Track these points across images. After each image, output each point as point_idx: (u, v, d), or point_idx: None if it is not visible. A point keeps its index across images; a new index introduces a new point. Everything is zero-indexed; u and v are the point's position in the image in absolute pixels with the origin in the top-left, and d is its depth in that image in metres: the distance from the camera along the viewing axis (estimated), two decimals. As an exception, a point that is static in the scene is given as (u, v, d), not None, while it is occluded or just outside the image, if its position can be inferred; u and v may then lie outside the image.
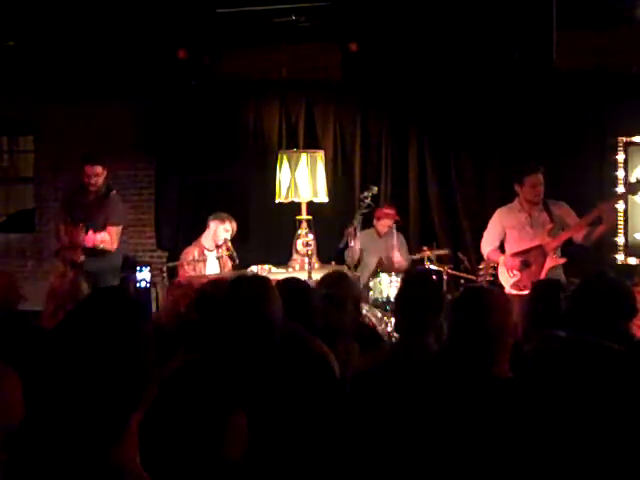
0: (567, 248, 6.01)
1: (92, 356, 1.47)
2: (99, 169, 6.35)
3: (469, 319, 2.70)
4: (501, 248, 6.14)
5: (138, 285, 6.52)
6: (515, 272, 5.92)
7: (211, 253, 6.72)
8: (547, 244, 5.87)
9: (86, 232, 6.26)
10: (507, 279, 5.95)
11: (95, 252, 6.28)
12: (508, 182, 6.22)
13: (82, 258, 6.26)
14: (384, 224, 7.08)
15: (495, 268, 6.03)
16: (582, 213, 5.92)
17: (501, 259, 6.05)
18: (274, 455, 2.48)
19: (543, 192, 5.99)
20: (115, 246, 6.42)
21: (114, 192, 6.55)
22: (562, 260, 5.91)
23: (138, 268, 6.60)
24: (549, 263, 5.86)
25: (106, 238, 6.30)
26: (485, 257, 6.26)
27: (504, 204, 6.18)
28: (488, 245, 6.20)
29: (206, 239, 6.70)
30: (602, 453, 1.88)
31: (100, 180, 6.40)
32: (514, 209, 6.08)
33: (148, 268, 6.66)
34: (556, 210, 5.99)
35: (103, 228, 6.33)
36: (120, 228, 6.51)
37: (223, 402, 1.91)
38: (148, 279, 6.59)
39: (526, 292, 4.68)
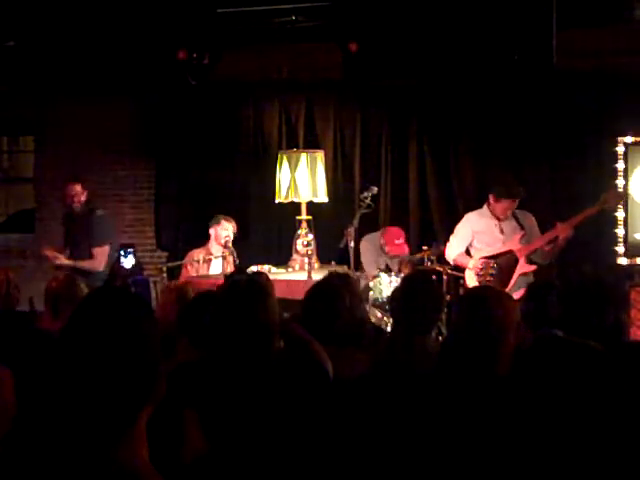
0: (565, 249, 6.01)
1: (99, 353, 1.47)
2: (78, 187, 6.50)
3: (473, 318, 2.70)
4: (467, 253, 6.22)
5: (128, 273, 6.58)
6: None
7: (217, 253, 6.74)
8: (519, 250, 5.94)
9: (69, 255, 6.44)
10: (475, 283, 5.97)
11: (80, 272, 6.17)
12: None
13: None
14: (392, 251, 6.95)
15: (494, 268, 6.04)
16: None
17: (471, 263, 6.09)
18: (263, 458, 2.47)
19: (511, 213, 6.05)
20: (102, 267, 6.45)
21: (99, 211, 6.61)
22: (532, 267, 5.95)
23: (123, 253, 6.58)
24: (520, 269, 5.91)
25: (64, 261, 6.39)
26: (451, 261, 6.29)
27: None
28: (455, 249, 6.25)
29: (212, 246, 6.75)
30: (595, 458, 1.88)
31: (81, 198, 6.51)
32: (484, 215, 6.15)
33: (132, 253, 6.64)
34: (524, 220, 6.07)
35: (88, 250, 6.41)
36: (106, 248, 6.50)
37: (175, 404, 1.90)
38: (133, 265, 6.62)
39: None
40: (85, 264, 6.35)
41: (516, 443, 2.16)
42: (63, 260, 6.37)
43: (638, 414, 2.10)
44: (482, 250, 6.11)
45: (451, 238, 6.32)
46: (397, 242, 6.89)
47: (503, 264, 5.96)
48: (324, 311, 3.35)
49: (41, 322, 4.16)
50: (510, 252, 5.97)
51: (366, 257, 6.73)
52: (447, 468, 2.45)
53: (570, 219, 5.84)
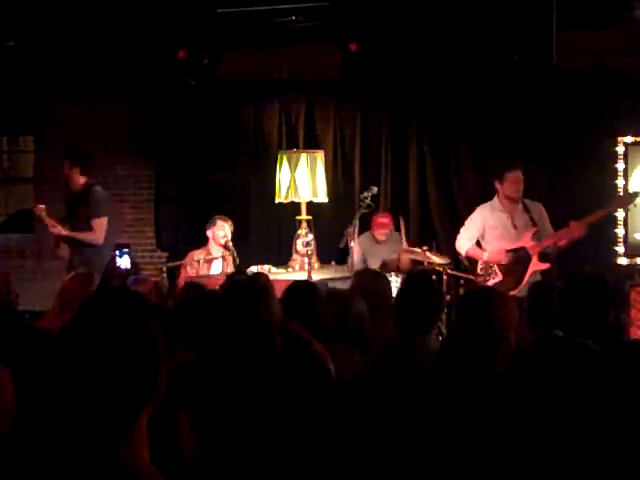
0: (564, 249, 6.00)
1: (100, 353, 1.47)
2: (66, 165, 6.39)
3: (473, 318, 2.70)
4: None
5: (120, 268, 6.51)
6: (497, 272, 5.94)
7: (217, 254, 6.76)
8: (531, 247, 5.88)
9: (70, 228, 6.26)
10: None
11: (78, 243, 6.23)
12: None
13: (60, 250, 6.29)
14: (380, 233, 7.12)
15: (491, 268, 6.02)
16: (581, 213, 5.93)
17: (485, 254, 6.04)
18: (268, 460, 2.47)
19: (522, 189, 6.00)
20: (101, 239, 6.28)
21: (97, 187, 6.49)
22: (546, 265, 5.89)
23: (118, 253, 6.52)
24: (533, 267, 5.86)
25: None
26: (463, 254, 6.27)
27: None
28: (466, 241, 6.20)
29: (212, 246, 6.77)
30: (593, 456, 1.88)
31: (70, 176, 6.40)
32: (495, 208, 6.10)
33: (128, 253, 6.60)
34: (535, 212, 6.01)
35: (86, 223, 6.28)
36: (104, 220, 6.33)
37: (172, 405, 1.90)
38: (128, 265, 6.60)
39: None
40: (84, 236, 6.20)
41: (515, 442, 2.16)
42: (62, 230, 6.21)
43: (636, 414, 2.10)
44: (493, 244, 6.05)
45: (462, 230, 6.29)
46: (380, 220, 7.15)
47: (516, 261, 5.91)
48: (300, 312, 3.38)
49: (44, 319, 4.16)
50: (522, 249, 5.93)
51: (353, 246, 6.63)
52: (447, 468, 2.44)
53: (584, 218, 5.79)
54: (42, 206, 6.35)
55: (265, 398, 2.63)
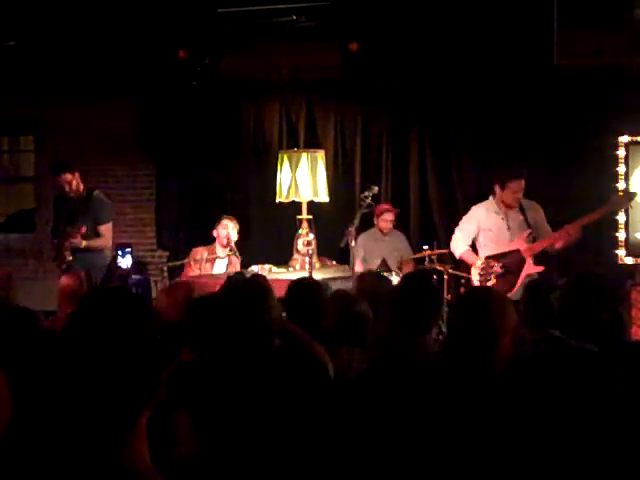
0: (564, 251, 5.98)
1: (99, 355, 1.47)
2: (68, 176, 6.55)
3: (470, 320, 2.69)
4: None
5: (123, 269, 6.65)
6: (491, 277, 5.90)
7: (222, 254, 6.76)
8: (525, 250, 5.84)
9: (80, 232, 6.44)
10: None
11: (86, 250, 6.46)
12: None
13: (70, 258, 6.41)
14: (386, 219, 7.09)
15: (494, 269, 5.99)
16: (581, 213, 5.92)
17: (478, 262, 6.01)
18: (265, 459, 2.47)
19: (522, 197, 5.97)
20: (110, 243, 6.61)
21: (97, 192, 6.73)
22: (540, 268, 5.85)
23: (120, 253, 6.64)
24: (527, 270, 5.83)
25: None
26: (457, 256, 6.25)
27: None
28: (461, 243, 6.16)
29: (217, 247, 6.79)
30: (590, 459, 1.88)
31: (74, 185, 6.58)
32: (491, 209, 6.05)
33: (130, 253, 6.69)
34: (531, 213, 5.97)
35: (92, 228, 6.50)
36: (110, 225, 6.67)
37: (170, 405, 1.90)
38: (130, 265, 6.67)
39: None
40: (97, 243, 6.50)
41: (514, 444, 2.16)
42: (82, 243, 6.43)
43: (636, 415, 2.10)
44: (488, 246, 6.03)
45: (456, 231, 6.26)
46: (384, 206, 7.14)
47: (510, 264, 5.87)
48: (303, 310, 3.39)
49: (54, 320, 4.14)
50: (517, 252, 5.89)
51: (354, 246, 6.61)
52: (445, 467, 2.45)
53: (577, 220, 5.76)
54: (70, 258, 6.46)
55: (263, 398, 2.64)
